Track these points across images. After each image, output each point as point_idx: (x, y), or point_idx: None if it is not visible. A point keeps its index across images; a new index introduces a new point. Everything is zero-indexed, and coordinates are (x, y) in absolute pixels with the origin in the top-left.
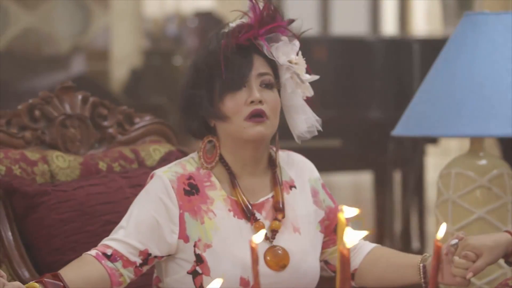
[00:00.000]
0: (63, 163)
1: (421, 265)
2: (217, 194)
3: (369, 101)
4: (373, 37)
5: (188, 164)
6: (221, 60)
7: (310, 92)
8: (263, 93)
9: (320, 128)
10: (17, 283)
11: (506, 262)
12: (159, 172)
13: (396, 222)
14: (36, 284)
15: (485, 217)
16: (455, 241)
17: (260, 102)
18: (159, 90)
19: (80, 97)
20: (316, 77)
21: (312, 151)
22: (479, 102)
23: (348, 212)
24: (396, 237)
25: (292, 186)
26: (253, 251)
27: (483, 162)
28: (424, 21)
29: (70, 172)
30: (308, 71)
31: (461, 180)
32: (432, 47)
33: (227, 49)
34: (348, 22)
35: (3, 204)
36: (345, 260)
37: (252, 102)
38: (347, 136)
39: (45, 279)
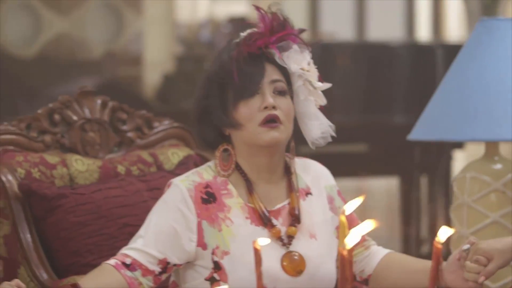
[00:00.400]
0: (82, 167)
1: None
2: (234, 202)
3: (396, 106)
4: (399, 42)
5: (205, 173)
6: (233, 68)
7: (322, 101)
8: (276, 100)
9: (333, 134)
10: None
11: None
12: (176, 181)
13: (422, 227)
14: None
15: (499, 221)
16: (467, 246)
17: (274, 107)
18: (192, 95)
19: (99, 101)
20: (328, 85)
21: (338, 156)
22: (492, 106)
23: (365, 226)
24: (423, 242)
25: (308, 193)
26: (257, 252)
27: (498, 166)
28: (457, 26)
29: (89, 176)
30: (319, 80)
31: (476, 184)
32: (456, 52)
33: (239, 57)
34: (383, 27)
35: (22, 206)
36: (345, 261)
37: (265, 107)
38: (374, 141)
39: None
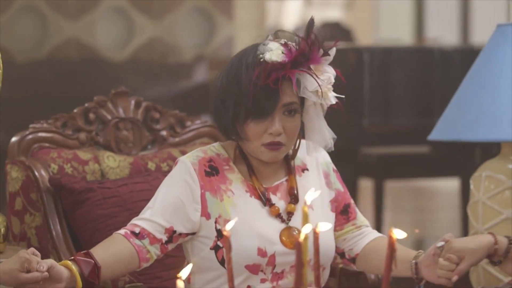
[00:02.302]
0: (113, 163)
1: (414, 262)
2: (235, 177)
3: None
4: (452, 47)
5: (209, 150)
6: (250, 93)
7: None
8: (284, 121)
9: (332, 148)
10: (51, 260)
11: (491, 262)
12: (182, 158)
13: None
14: (69, 262)
15: None
16: (441, 243)
17: (279, 134)
18: None
19: (133, 101)
20: (340, 96)
21: (401, 157)
22: (507, 108)
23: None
24: None
25: (304, 169)
26: (226, 239)
27: (510, 165)
28: None
29: (120, 171)
30: (342, 81)
31: (491, 182)
32: None
33: (256, 85)
34: (440, 30)
35: (53, 199)
36: (300, 247)
37: (271, 133)
38: (435, 143)
39: (77, 257)
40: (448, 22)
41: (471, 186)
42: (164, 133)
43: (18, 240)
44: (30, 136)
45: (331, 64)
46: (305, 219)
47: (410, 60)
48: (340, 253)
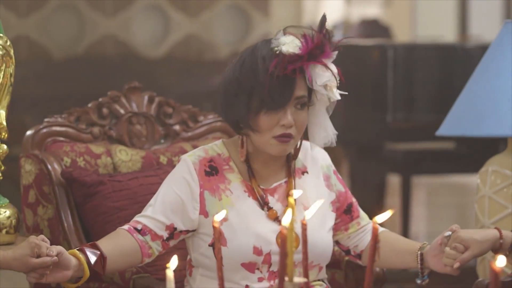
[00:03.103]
0: (125, 157)
1: (419, 252)
2: (234, 177)
3: None
4: (477, 44)
5: (210, 150)
6: (266, 83)
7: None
8: (295, 114)
9: (334, 144)
10: (60, 246)
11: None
12: (184, 156)
13: None
14: (77, 251)
15: None
16: (448, 233)
17: (291, 126)
18: None
19: (146, 97)
20: (344, 93)
21: (426, 153)
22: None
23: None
24: None
25: (304, 172)
26: (215, 229)
27: None
28: None
29: (132, 165)
30: (341, 79)
31: (498, 177)
32: None
33: (273, 75)
34: (483, 28)
35: (65, 192)
36: (284, 238)
37: (283, 125)
38: (460, 139)
39: (84, 248)
40: (491, 19)
41: (478, 181)
42: (177, 127)
43: (32, 232)
44: (44, 130)
45: (356, 59)
46: (292, 206)
47: (433, 56)
48: (345, 250)
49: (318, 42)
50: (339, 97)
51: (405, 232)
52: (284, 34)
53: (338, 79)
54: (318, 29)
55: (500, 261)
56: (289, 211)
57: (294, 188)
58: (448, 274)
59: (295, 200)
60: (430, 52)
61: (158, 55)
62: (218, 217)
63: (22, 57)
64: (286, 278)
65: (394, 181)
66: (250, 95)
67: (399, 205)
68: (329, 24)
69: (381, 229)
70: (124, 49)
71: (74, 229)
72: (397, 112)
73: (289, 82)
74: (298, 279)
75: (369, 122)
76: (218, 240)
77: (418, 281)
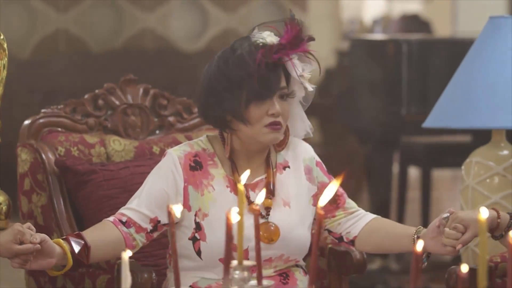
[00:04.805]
0: (119, 146)
1: (415, 236)
2: (217, 172)
3: None
4: None
5: (196, 145)
6: (255, 73)
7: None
8: (280, 104)
9: (311, 135)
10: (44, 234)
11: (492, 236)
12: (170, 150)
13: None
14: (61, 240)
15: (500, 202)
16: (446, 214)
17: (279, 115)
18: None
19: (141, 89)
20: (314, 86)
21: (442, 146)
22: (496, 97)
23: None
24: None
25: (286, 167)
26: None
27: (502, 152)
28: None
29: (125, 155)
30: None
31: (481, 168)
32: None
33: (261, 64)
34: None
35: (58, 180)
36: (234, 227)
37: (272, 114)
38: (477, 132)
39: (69, 237)
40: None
41: (462, 172)
42: (171, 119)
43: (26, 218)
44: (41, 121)
45: (372, 53)
46: (241, 198)
47: (447, 51)
48: (338, 237)
49: (297, 32)
50: (310, 89)
51: (425, 225)
52: (259, 31)
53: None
54: (290, 21)
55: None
56: (239, 197)
57: (273, 183)
58: (448, 254)
59: (273, 194)
60: (444, 47)
61: (196, 50)
62: (176, 210)
63: (61, 50)
64: (235, 262)
65: (414, 174)
66: (240, 88)
67: (419, 199)
68: (368, 19)
69: (372, 215)
70: (162, 43)
71: (66, 216)
72: (412, 106)
73: (275, 71)
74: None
75: (384, 115)
76: (173, 230)
77: None
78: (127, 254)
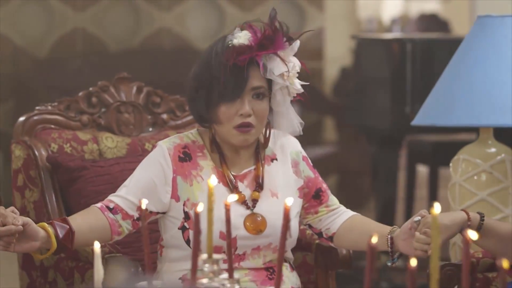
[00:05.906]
0: (111, 143)
1: (389, 236)
2: (207, 164)
3: None
4: None
5: (186, 137)
6: (221, 75)
7: (299, 91)
8: (253, 104)
9: (301, 132)
10: (27, 218)
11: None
12: (160, 142)
13: None
14: (46, 224)
15: (486, 199)
16: (418, 218)
17: (249, 115)
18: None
19: (135, 87)
20: (305, 83)
21: (450, 145)
22: (482, 95)
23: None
24: None
25: (273, 159)
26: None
27: (489, 149)
28: None
29: (117, 151)
30: (306, 71)
31: (469, 165)
32: None
33: (226, 66)
34: None
35: (50, 176)
36: (205, 220)
37: (241, 114)
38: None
39: (54, 221)
40: None
41: (450, 169)
42: (164, 116)
43: (20, 214)
44: (35, 118)
45: (374, 54)
46: (210, 194)
47: (451, 50)
48: (317, 233)
49: (268, 34)
50: (299, 87)
51: None
52: (241, 29)
53: (297, 70)
54: (269, 22)
55: (472, 235)
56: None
57: (262, 175)
58: (418, 257)
59: (262, 188)
60: (448, 46)
61: None
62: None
63: (78, 49)
64: (205, 255)
65: (422, 172)
66: (209, 89)
67: (427, 197)
68: (386, 18)
69: (351, 212)
70: (179, 42)
71: (58, 212)
72: (416, 104)
73: (242, 72)
74: (218, 256)
75: (389, 114)
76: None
77: (389, 263)
78: (98, 245)
